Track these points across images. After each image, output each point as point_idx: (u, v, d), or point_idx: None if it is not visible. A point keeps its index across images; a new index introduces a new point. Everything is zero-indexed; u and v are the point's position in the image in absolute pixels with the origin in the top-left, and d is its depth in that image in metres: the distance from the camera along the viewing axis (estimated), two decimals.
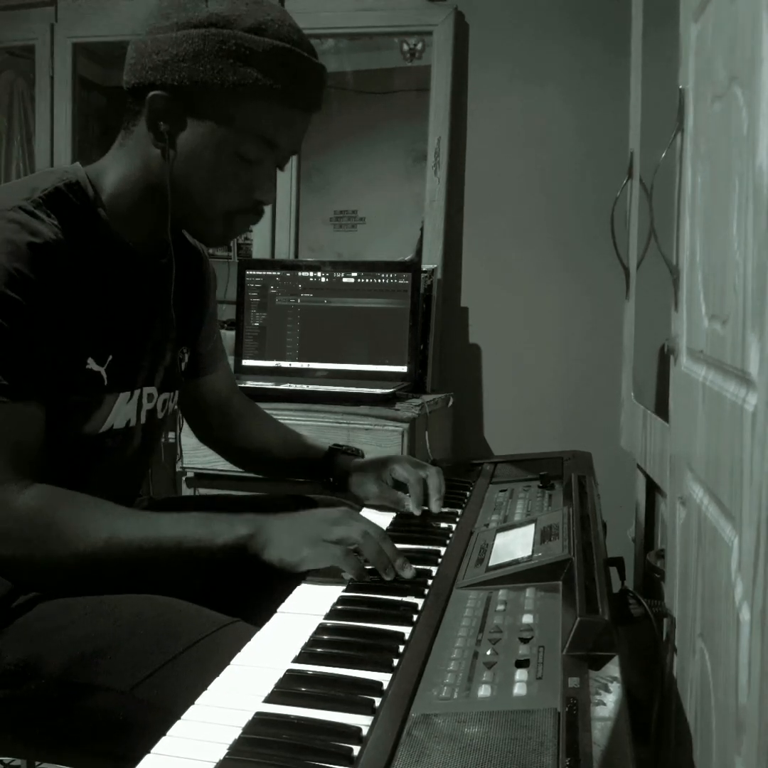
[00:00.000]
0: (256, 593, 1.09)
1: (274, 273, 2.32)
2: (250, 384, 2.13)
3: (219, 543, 0.96)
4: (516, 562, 0.93)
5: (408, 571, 0.94)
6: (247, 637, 0.82)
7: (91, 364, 1.03)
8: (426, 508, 1.21)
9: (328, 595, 0.92)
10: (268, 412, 1.51)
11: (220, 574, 1.14)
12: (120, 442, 1.11)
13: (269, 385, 2.09)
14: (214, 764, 0.60)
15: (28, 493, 0.94)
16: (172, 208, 1.04)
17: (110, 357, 1.05)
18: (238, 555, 0.97)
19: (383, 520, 1.20)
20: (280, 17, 1.01)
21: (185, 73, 0.98)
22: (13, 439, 0.95)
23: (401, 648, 0.78)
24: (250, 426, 1.41)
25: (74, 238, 1.00)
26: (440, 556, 1.03)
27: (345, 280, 2.29)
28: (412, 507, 1.20)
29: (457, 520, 1.18)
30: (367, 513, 1.25)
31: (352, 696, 0.69)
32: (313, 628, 0.83)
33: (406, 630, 0.81)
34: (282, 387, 2.07)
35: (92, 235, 1.03)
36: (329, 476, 1.33)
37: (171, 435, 1.56)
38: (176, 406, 1.24)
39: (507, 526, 1.08)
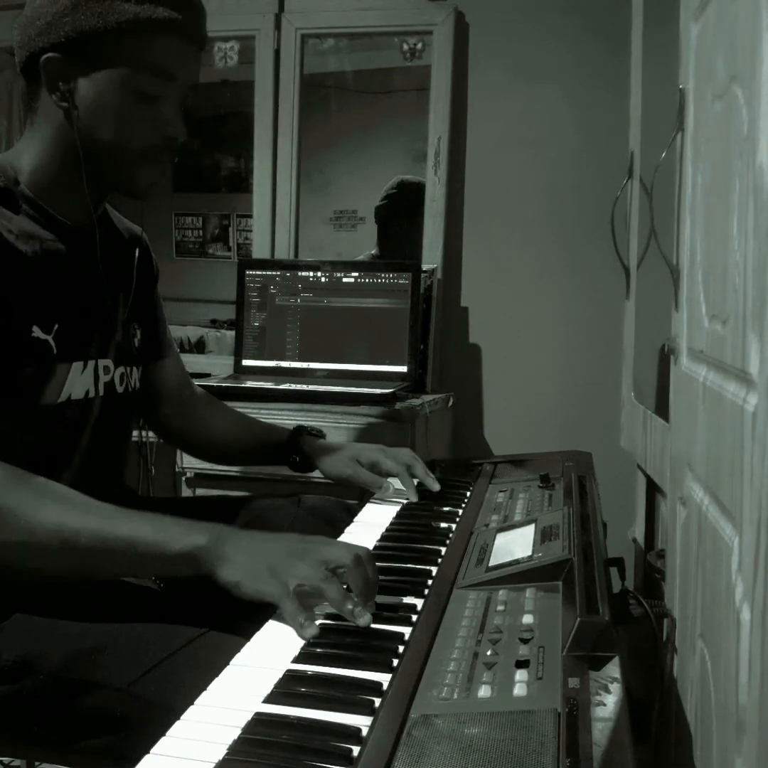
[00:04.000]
0: None
1: (274, 273, 2.32)
2: (250, 384, 2.13)
3: (172, 550, 0.88)
4: (516, 562, 0.93)
5: (363, 619, 0.82)
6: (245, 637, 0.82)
7: (37, 332, 1.04)
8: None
9: None
10: (267, 412, 1.51)
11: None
12: (80, 413, 1.11)
13: (269, 385, 2.09)
14: (214, 764, 0.60)
15: None
16: (88, 167, 1.07)
17: (56, 326, 1.06)
18: (191, 567, 0.88)
19: (387, 517, 1.20)
20: None
21: (69, 26, 1.02)
22: None
23: (401, 648, 0.78)
24: (208, 414, 1.41)
25: (2, 215, 1.03)
26: (440, 556, 1.03)
27: (345, 280, 2.28)
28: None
29: (457, 520, 1.18)
30: (371, 507, 1.26)
31: (352, 696, 0.69)
32: None
33: (406, 630, 0.81)
34: (282, 387, 2.07)
35: (19, 210, 1.06)
36: (294, 456, 1.35)
37: None
38: (138, 384, 1.24)
39: (507, 526, 1.08)
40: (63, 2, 1.02)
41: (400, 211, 2.55)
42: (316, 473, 1.37)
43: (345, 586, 0.85)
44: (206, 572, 0.88)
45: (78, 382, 1.10)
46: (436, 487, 1.29)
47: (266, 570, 0.86)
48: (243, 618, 0.93)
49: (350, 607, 0.83)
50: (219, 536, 0.89)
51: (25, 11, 1.05)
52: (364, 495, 1.34)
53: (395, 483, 1.31)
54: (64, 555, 0.91)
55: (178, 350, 1.44)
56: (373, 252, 2.63)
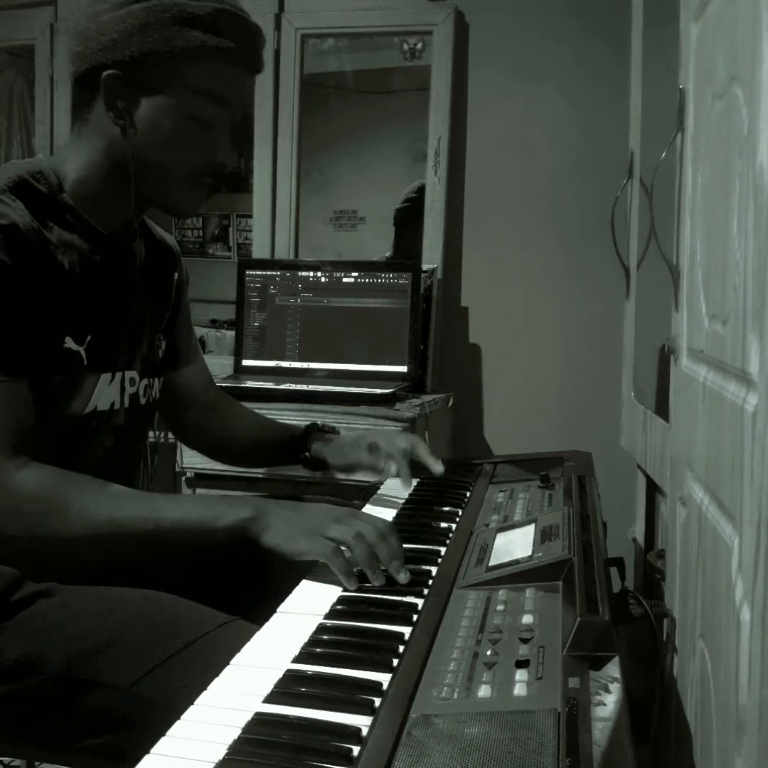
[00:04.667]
0: (256, 593, 1.09)
1: (274, 273, 2.32)
2: (250, 384, 2.13)
3: (220, 525, 0.96)
4: (516, 562, 0.93)
5: (403, 576, 0.92)
6: (247, 635, 0.82)
7: (69, 344, 1.05)
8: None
9: (328, 594, 0.92)
10: (267, 412, 1.51)
11: (219, 572, 1.14)
12: (104, 423, 1.12)
13: (269, 385, 2.09)
14: (214, 764, 0.60)
15: (26, 472, 0.96)
16: (136, 184, 1.07)
17: (89, 337, 1.07)
18: (238, 538, 0.97)
19: (387, 517, 1.20)
20: None
21: (134, 47, 1.01)
22: (11, 417, 0.97)
23: (401, 648, 0.78)
24: (229, 417, 1.42)
25: (42, 221, 1.02)
26: (440, 556, 1.03)
27: (345, 280, 2.28)
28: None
29: (457, 520, 1.18)
30: (371, 507, 1.26)
31: (352, 696, 0.69)
32: (313, 628, 0.83)
33: (406, 630, 0.81)
34: (282, 387, 2.07)
35: (60, 219, 1.05)
36: (305, 452, 1.35)
37: (171, 435, 1.56)
38: (158, 395, 1.25)
39: (507, 526, 1.08)
40: (131, 21, 1.01)
41: (420, 215, 2.52)
42: (319, 474, 1.37)
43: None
44: (252, 538, 0.96)
45: (105, 393, 1.10)
46: (438, 469, 1.27)
47: (303, 531, 0.95)
48: (243, 618, 0.94)
49: (372, 566, 0.91)
50: (260, 508, 0.97)
51: (88, 23, 1.04)
52: (365, 496, 1.33)
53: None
54: (118, 540, 0.97)
55: (203, 358, 1.44)
56: (387, 254, 2.62)
